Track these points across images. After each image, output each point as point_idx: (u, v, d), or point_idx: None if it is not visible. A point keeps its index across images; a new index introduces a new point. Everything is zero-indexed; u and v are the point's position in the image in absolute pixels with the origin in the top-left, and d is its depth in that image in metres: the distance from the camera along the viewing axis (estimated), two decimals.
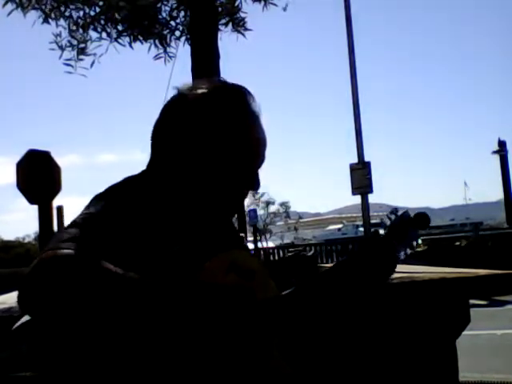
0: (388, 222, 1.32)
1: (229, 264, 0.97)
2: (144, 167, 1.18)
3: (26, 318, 1.06)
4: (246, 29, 6.38)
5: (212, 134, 1.10)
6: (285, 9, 6.35)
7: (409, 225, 1.28)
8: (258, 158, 1.15)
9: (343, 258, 1.25)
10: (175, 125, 1.11)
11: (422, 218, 1.29)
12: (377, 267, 1.21)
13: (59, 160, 7.33)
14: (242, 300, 0.94)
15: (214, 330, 0.93)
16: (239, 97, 1.13)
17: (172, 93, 1.17)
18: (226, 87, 1.14)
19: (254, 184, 1.16)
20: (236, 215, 1.23)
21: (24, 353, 1.07)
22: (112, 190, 1.08)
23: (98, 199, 1.05)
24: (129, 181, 1.12)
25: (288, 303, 1.06)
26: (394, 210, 1.31)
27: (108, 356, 0.95)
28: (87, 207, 1.04)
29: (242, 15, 6.34)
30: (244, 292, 0.94)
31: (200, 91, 1.12)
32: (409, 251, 1.26)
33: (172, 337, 0.92)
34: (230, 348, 0.96)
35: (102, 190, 1.09)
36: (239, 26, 6.32)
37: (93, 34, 6.06)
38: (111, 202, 1.03)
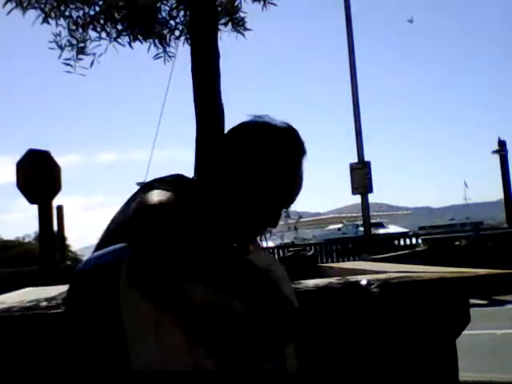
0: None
1: (267, 265, 1.02)
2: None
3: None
4: (246, 28, 6.38)
5: (265, 169, 1.19)
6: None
7: None
8: (289, 201, 1.25)
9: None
10: (237, 149, 1.21)
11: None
12: None
13: (59, 160, 7.36)
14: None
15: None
16: (300, 147, 1.24)
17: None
18: (295, 135, 1.25)
19: (274, 222, 1.25)
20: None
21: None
22: (172, 181, 1.16)
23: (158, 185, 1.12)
24: (183, 182, 1.20)
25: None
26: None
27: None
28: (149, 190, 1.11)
29: (242, 15, 6.34)
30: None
31: (272, 128, 1.23)
32: None
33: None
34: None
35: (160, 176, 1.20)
36: (239, 25, 6.31)
37: (92, 34, 6.06)
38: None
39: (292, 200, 1.26)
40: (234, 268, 0.96)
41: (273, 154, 1.20)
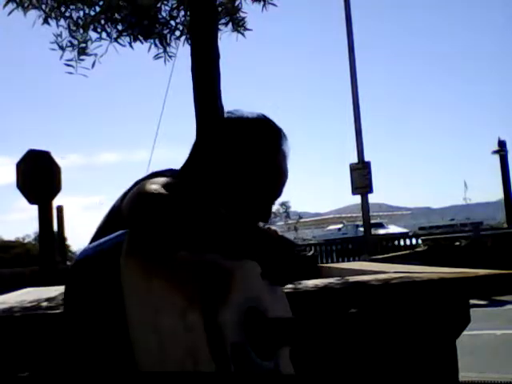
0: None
1: (259, 273, 1.05)
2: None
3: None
4: (246, 29, 6.38)
5: (245, 161, 1.21)
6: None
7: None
8: (277, 193, 1.27)
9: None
10: (216, 143, 1.24)
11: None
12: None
13: (59, 160, 7.34)
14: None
15: None
16: (275, 135, 1.26)
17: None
18: (267, 124, 1.27)
19: (266, 215, 1.27)
20: None
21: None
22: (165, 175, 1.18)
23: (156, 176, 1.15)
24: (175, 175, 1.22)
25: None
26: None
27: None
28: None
29: (242, 15, 6.34)
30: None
31: (245, 121, 1.26)
32: None
33: None
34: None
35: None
36: (239, 25, 6.32)
37: (93, 35, 6.06)
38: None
39: (279, 192, 1.26)
40: (241, 236, 1.00)
41: (247, 146, 1.21)
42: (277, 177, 1.24)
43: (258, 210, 1.23)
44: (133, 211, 1.01)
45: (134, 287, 0.98)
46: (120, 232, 1.03)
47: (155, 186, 1.02)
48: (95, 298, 1.02)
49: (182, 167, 1.27)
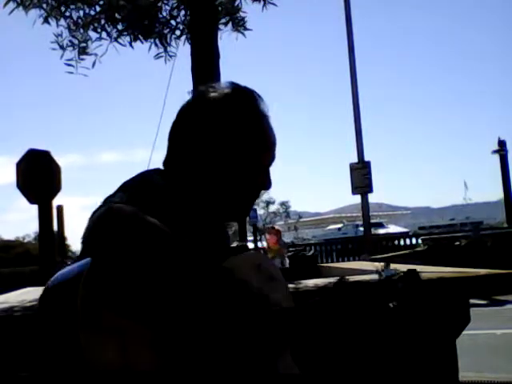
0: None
1: (257, 265, 1.01)
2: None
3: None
4: (246, 28, 6.38)
5: (225, 135, 1.15)
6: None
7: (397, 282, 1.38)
8: (269, 157, 1.20)
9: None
10: (190, 126, 1.17)
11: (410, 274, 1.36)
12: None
13: (59, 160, 7.34)
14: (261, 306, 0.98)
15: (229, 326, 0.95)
16: (249, 99, 1.19)
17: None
18: (237, 90, 1.20)
19: (267, 183, 1.21)
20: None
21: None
22: (136, 185, 1.12)
23: (128, 190, 1.10)
24: (150, 180, 1.16)
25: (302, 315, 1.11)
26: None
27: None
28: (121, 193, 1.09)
29: (242, 15, 6.34)
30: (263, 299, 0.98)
31: (214, 94, 1.19)
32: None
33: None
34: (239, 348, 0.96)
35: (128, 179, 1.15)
36: (239, 25, 6.32)
37: (93, 34, 6.06)
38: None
39: (271, 156, 1.20)
40: (198, 282, 0.91)
41: (225, 118, 1.16)
42: (264, 141, 1.18)
43: (255, 180, 1.18)
44: (92, 240, 0.97)
45: (92, 322, 0.94)
46: (86, 260, 0.98)
47: (118, 214, 0.97)
48: (54, 328, 1.00)
49: (164, 160, 1.21)
